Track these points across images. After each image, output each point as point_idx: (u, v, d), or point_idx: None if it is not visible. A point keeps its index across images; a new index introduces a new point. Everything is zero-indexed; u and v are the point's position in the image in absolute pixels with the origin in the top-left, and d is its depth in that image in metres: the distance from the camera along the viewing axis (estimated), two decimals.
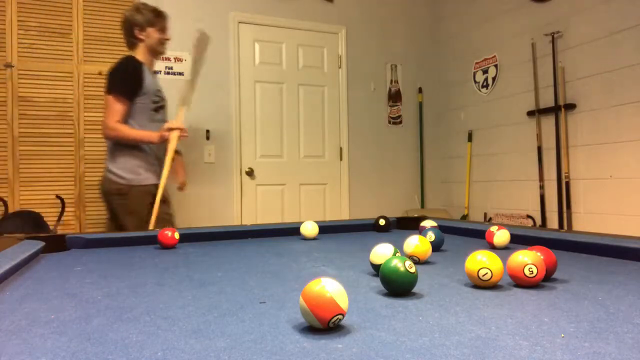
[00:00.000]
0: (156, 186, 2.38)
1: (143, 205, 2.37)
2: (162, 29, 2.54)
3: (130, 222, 2.35)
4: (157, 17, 2.52)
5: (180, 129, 2.42)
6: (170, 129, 2.39)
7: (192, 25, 3.85)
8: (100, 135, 3.57)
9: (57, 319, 0.70)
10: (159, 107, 2.53)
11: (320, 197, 4.26)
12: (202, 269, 1.11)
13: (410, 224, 1.92)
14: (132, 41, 2.51)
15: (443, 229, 1.68)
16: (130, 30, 2.49)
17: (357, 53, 4.39)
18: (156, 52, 2.55)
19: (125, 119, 2.40)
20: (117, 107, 2.36)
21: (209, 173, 3.89)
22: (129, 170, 2.40)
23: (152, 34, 2.50)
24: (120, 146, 2.42)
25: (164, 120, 2.53)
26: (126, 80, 2.39)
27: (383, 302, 0.78)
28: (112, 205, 2.44)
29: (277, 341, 0.59)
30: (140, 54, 2.49)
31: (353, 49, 4.37)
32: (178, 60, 3.79)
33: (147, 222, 2.33)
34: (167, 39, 2.58)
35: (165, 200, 2.46)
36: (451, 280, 0.94)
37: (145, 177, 2.42)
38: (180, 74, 3.80)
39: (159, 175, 2.43)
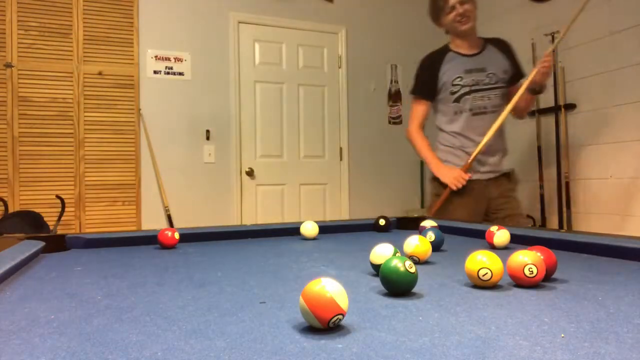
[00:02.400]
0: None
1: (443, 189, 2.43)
2: (447, 10, 2.33)
3: (436, 204, 2.47)
4: None
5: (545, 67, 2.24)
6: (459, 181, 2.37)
7: (193, 25, 3.85)
8: (100, 135, 3.58)
9: (57, 319, 0.70)
10: (461, 95, 2.37)
11: (320, 197, 4.25)
12: (202, 269, 1.11)
13: (410, 224, 1.92)
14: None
15: (443, 229, 1.68)
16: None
17: (357, 53, 4.39)
18: (457, 33, 2.38)
19: (437, 115, 2.49)
20: (418, 111, 2.44)
21: (208, 173, 3.89)
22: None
23: (443, 21, 2.40)
24: (438, 137, 2.51)
25: (472, 109, 2.38)
26: (420, 79, 2.45)
27: (383, 302, 0.78)
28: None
29: (277, 341, 0.59)
30: (451, 40, 2.46)
31: (353, 49, 4.37)
32: (178, 60, 3.79)
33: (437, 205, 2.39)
34: (459, 15, 2.31)
35: (508, 175, 2.44)
36: (451, 280, 0.94)
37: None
38: (181, 74, 3.80)
39: (461, 161, 2.43)
